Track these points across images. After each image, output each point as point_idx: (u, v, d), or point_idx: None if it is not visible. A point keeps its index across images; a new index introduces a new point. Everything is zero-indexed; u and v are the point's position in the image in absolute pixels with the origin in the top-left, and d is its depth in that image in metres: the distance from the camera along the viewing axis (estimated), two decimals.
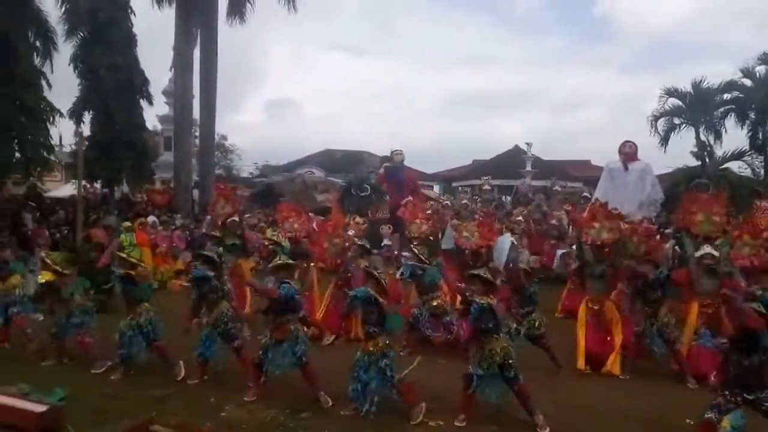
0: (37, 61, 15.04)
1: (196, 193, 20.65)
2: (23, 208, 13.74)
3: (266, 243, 10.33)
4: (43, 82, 14.47)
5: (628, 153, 9.33)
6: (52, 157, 15.19)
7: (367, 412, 4.85)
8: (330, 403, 5.11)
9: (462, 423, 4.83)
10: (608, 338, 6.67)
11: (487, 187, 21.53)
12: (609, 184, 9.43)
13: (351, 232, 9.66)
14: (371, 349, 4.95)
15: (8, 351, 6.49)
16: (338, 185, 19.85)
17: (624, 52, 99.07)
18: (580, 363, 6.54)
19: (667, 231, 11.12)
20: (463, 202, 16.68)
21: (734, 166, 20.05)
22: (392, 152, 12.82)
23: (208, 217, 16.76)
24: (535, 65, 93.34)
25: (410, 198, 11.55)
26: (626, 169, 9.21)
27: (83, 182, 13.60)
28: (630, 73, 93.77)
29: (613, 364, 6.54)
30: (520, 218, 12.85)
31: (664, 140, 21.46)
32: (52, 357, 6.21)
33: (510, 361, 4.74)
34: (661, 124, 21.64)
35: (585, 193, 15.10)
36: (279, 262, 5.53)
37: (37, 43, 15.54)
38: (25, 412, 4.44)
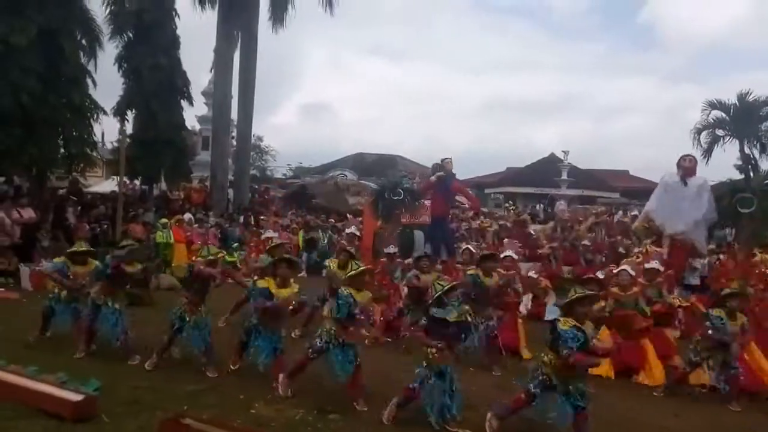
0: (82, 59, 15.46)
1: (231, 192, 20.98)
2: (66, 203, 14.13)
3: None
4: (89, 80, 14.86)
5: (688, 167, 9.12)
6: (95, 154, 15.57)
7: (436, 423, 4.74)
8: (366, 409, 5.07)
9: None
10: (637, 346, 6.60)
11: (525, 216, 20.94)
12: (664, 199, 9.16)
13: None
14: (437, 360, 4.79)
15: (51, 341, 6.61)
16: (370, 188, 19.88)
17: (668, 60, 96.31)
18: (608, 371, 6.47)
19: (709, 246, 10.86)
20: (501, 221, 15.99)
21: None
22: (443, 160, 12.49)
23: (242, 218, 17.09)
24: (575, 72, 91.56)
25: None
26: (685, 184, 8.98)
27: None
28: (674, 81, 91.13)
29: (647, 374, 6.45)
30: (554, 244, 12.35)
31: (707, 153, 20.97)
32: (82, 348, 6.29)
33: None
34: (704, 136, 21.16)
35: (635, 212, 14.35)
36: (353, 272, 5.42)
37: (83, 42, 15.98)
38: (63, 401, 4.57)
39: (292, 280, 5.89)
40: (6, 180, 15.36)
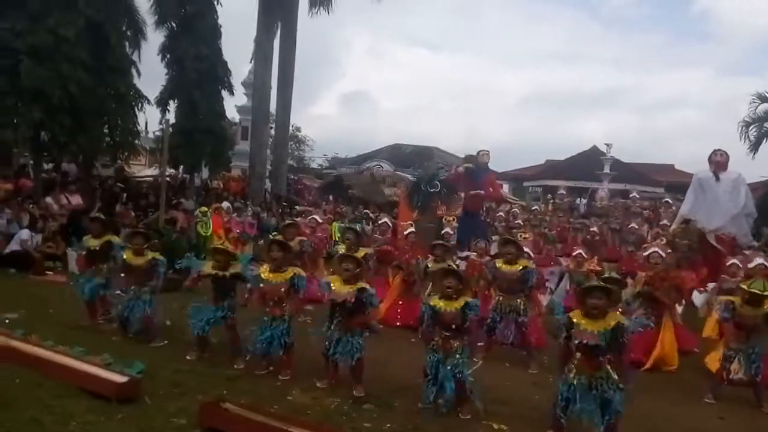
0: (127, 50, 15.83)
1: (268, 182, 21.24)
2: (114, 190, 14.55)
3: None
4: (133, 71, 15.22)
5: (720, 162, 9.00)
6: (138, 142, 15.96)
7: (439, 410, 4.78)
8: (362, 395, 5.07)
9: None
10: None
11: (562, 191, 20.77)
12: (699, 197, 9.08)
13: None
14: (447, 347, 4.79)
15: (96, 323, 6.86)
16: (406, 180, 19.82)
17: (723, 52, 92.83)
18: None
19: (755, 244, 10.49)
20: (534, 208, 15.93)
21: None
22: (479, 152, 12.30)
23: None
24: (624, 63, 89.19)
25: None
26: (717, 179, 8.86)
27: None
28: (728, 74, 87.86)
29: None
30: (595, 229, 12.23)
31: (755, 147, 20.20)
32: (120, 332, 6.49)
33: (620, 386, 4.23)
34: (753, 130, 20.38)
35: (667, 199, 14.33)
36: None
37: (128, 33, 16.34)
38: (107, 382, 4.71)
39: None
40: (54, 167, 15.93)
